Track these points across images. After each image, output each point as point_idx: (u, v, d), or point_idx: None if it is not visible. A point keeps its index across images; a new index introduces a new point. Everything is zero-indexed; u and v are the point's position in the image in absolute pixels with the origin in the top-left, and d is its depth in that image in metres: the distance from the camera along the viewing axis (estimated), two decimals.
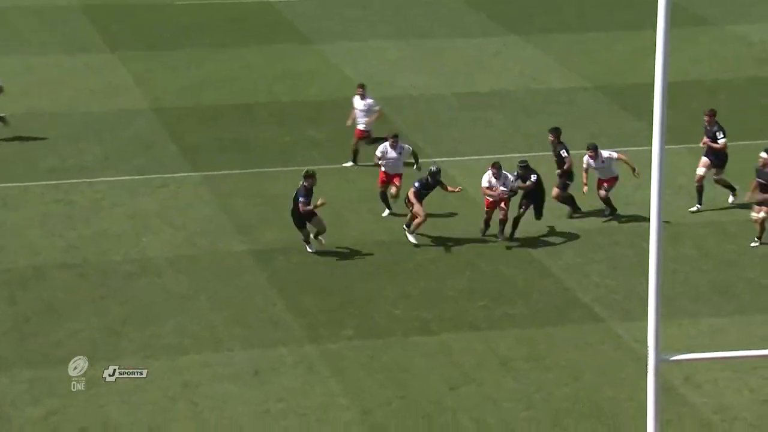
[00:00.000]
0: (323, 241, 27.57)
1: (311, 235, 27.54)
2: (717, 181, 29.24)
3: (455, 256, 27.51)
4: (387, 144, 29.24)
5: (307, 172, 27.31)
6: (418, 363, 23.23)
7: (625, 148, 31.17)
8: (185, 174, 31.89)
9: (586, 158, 28.68)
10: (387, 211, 29.17)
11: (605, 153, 28.71)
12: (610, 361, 22.99)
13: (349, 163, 32.14)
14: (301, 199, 27.04)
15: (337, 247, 27.88)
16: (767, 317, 24.51)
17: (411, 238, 27.70)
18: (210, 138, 34.30)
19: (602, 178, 28.89)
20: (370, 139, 31.79)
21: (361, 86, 32.34)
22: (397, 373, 22.86)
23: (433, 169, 28.02)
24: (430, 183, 27.89)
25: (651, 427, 16.63)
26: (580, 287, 25.93)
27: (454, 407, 21.72)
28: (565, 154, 28.67)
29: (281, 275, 26.83)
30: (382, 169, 29.23)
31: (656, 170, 16.19)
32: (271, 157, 33.11)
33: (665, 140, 16.01)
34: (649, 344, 16.58)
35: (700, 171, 29.12)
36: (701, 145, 29.20)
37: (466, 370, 22.92)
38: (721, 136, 28.78)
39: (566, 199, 28.96)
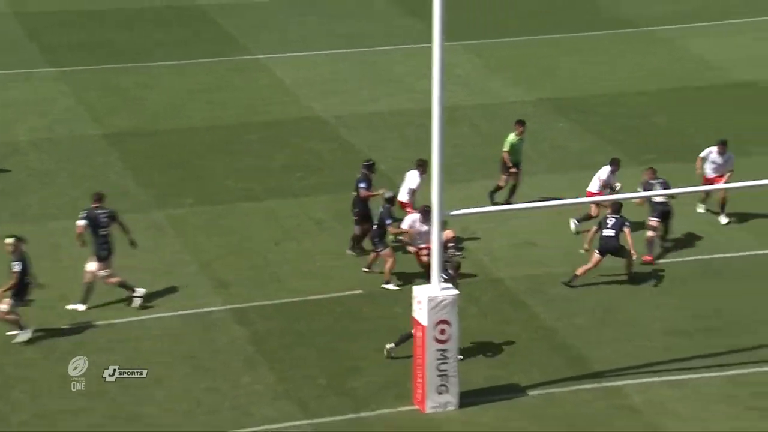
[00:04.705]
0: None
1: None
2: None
3: (276, 135, 27.58)
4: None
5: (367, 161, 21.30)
6: (248, 224, 23.39)
7: (402, 46, 31.66)
8: (45, 69, 31.12)
9: None
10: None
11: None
12: None
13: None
14: (361, 184, 20.87)
15: (185, 128, 27.74)
16: (528, 179, 25.24)
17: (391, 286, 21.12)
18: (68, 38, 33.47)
19: None
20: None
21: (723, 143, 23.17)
22: (231, 233, 23.00)
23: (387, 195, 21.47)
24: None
25: (435, 269, 17.31)
26: (382, 158, 26.21)
27: (278, 260, 22.01)
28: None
29: (131, 154, 26.55)
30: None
31: (437, 62, 16.59)
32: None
33: (444, 38, 16.43)
34: (433, 204, 17.21)
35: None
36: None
37: (288, 230, 23.17)
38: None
39: None
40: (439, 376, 17.31)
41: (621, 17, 35.82)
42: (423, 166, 21.97)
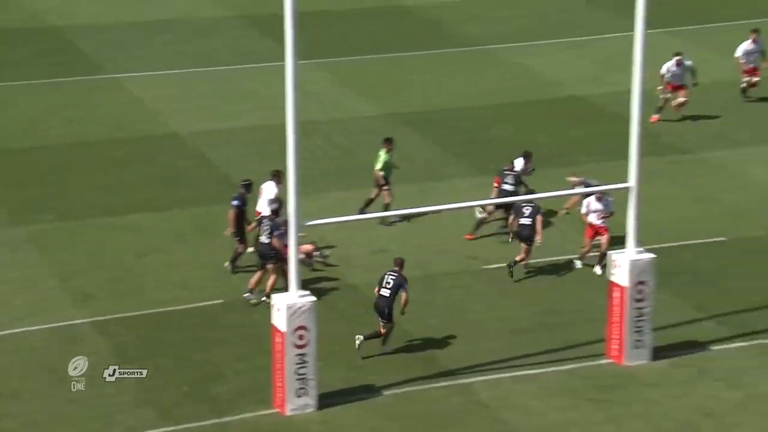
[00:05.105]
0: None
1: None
2: None
3: (136, 151, 27.39)
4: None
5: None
6: (109, 238, 23.22)
7: (256, 64, 31.74)
8: None
9: None
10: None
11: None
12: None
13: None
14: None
15: (43, 146, 27.19)
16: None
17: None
18: None
19: None
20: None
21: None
22: (92, 247, 22.84)
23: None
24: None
25: (293, 277, 17.54)
26: (241, 173, 26.24)
27: (140, 272, 21.97)
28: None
29: None
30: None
31: (290, 80, 16.89)
32: None
33: (297, 56, 16.74)
34: (290, 214, 17.45)
35: None
36: None
37: (150, 243, 23.13)
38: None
39: None
40: (298, 379, 17.57)
41: (465, 36, 36.72)
42: (278, 176, 22.11)
